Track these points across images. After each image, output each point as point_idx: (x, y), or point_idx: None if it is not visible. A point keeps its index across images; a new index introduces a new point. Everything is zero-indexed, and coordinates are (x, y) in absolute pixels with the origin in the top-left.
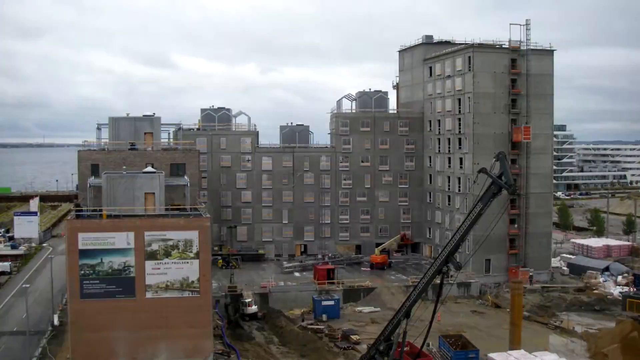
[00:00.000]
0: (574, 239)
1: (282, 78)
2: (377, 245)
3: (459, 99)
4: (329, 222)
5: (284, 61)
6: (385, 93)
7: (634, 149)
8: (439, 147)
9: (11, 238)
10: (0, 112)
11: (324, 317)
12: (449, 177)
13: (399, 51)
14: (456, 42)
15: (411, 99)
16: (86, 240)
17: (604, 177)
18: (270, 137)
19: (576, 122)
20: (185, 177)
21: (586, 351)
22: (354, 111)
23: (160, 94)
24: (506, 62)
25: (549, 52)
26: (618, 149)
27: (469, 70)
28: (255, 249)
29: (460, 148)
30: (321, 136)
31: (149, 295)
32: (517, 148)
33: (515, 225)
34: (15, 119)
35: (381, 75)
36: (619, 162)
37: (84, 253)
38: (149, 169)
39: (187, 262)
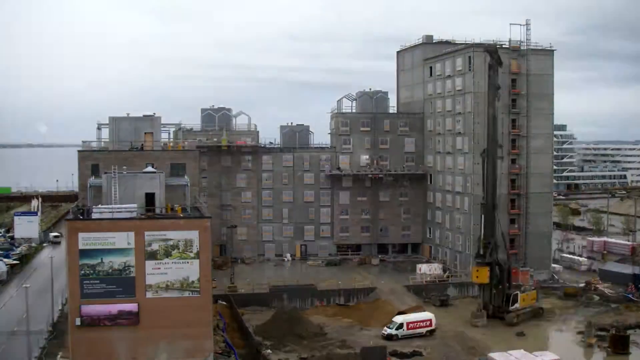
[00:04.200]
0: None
1: None
2: (379, 246)
3: (459, 99)
4: (328, 222)
5: None
6: (386, 93)
7: (634, 149)
8: (439, 147)
9: (11, 241)
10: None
11: None
12: (449, 177)
13: (398, 51)
14: (456, 42)
15: (411, 99)
16: (86, 240)
17: (604, 177)
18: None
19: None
20: (185, 177)
21: None
22: (354, 111)
23: None
24: (506, 62)
25: (549, 52)
26: (618, 149)
27: (469, 70)
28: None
29: (460, 148)
30: (321, 136)
31: (149, 295)
32: (517, 148)
33: (515, 225)
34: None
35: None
36: (619, 162)
37: (84, 253)
38: (149, 169)
39: (188, 262)
